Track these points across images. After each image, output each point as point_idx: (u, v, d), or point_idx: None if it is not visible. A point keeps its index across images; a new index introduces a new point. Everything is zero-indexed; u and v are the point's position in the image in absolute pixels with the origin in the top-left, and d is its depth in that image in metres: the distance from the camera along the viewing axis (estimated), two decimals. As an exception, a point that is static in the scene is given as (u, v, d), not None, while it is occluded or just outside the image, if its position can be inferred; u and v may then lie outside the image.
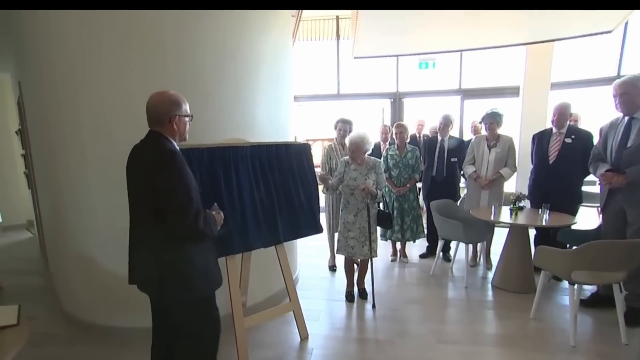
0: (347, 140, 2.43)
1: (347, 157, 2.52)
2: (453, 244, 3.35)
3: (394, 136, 3.29)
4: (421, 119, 4.81)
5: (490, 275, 3.03)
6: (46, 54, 1.95)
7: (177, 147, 1.33)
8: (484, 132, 3.15)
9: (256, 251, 1.99)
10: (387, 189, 3.25)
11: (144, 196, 1.22)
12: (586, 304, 2.42)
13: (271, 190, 1.93)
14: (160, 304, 1.30)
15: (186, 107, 1.34)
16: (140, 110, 1.57)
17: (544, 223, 2.54)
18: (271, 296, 2.49)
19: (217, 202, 1.60)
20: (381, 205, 2.70)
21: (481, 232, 2.91)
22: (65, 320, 2.35)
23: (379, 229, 2.62)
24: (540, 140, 2.92)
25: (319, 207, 2.19)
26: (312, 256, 3.59)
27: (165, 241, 1.21)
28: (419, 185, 3.51)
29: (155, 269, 1.23)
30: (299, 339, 2.13)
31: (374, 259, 2.53)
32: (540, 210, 2.70)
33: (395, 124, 3.30)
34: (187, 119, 1.34)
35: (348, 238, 2.48)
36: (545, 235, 2.90)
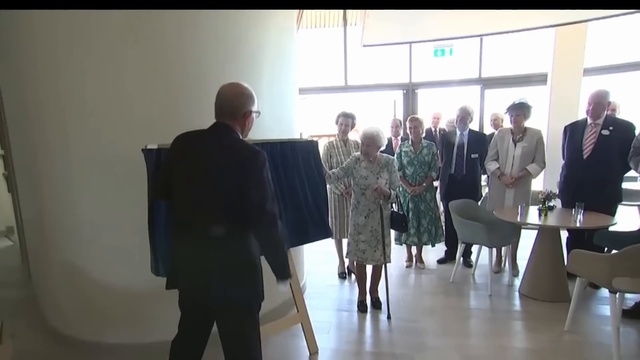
0: (360, 134, 2.43)
1: (358, 153, 2.51)
2: (475, 248, 3.34)
3: (407, 131, 3.28)
4: (437, 111, 4.76)
5: (517, 282, 3.00)
6: (28, 51, 1.94)
7: None
8: (507, 124, 3.12)
9: (262, 258, 1.96)
10: (401, 189, 3.26)
11: (217, 192, 1.21)
12: (630, 314, 2.38)
13: (276, 191, 1.92)
14: (216, 308, 1.30)
15: (257, 102, 1.38)
16: (135, 109, 1.55)
17: (577, 224, 2.50)
18: (277, 307, 2.47)
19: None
20: (395, 206, 2.69)
21: (506, 234, 2.88)
22: (50, 336, 2.32)
23: (392, 232, 2.62)
24: (573, 132, 2.87)
25: (327, 209, 2.18)
26: (319, 263, 3.59)
27: (238, 242, 1.23)
28: (436, 184, 3.50)
29: (223, 271, 1.23)
30: (308, 354, 2.12)
31: (387, 265, 2.52)
32: (573, 210, 2.66)
33: (409, 118, 3.28)
34: (255, 115, 1.37)
35: (359, 242, 2.47)
36: (579, 238, 2.85)
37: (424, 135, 3.26)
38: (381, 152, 2.50)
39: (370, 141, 2.37)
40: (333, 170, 2.53)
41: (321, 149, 3.15)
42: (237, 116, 1.31)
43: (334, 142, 3.09)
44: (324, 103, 6.35)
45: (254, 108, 1.36)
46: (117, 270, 2.02)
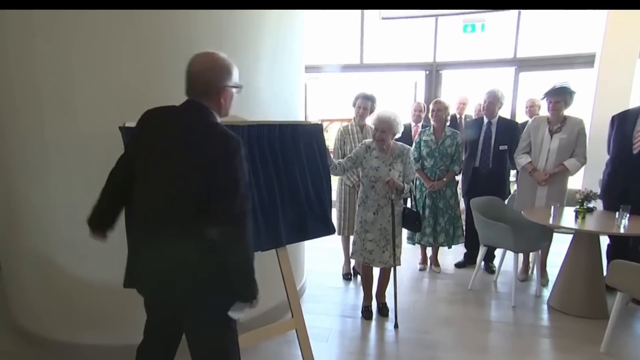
0: (373, 118, 2.38)
1: (369, 140, 2.45)
2: (498, 252, 3.30)
3: (430, 116, 3.20)
4: (463, 96, 4.64)
5: (546, 293, 2.95)
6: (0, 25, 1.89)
7: None
8: (544, 112, 2.98)
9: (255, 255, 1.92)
10: (418, 182, 3.22)
11: (184, 183, 1.13)
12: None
13: (272, 181, 1.88)
14: (181, 309, 1.23)
15: (237, 76, 1.26)
16: (117, 89, 1.47)
17: (622, 230, 2.38)
18: (269, 310, 2.46)
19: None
20: (409, 202, 2.59)
21: (535, 238, 2.81)
22: (17, 336, 2.29)
23: (404, 231, 2.58)
24: (622, 123, 2.72)
25: (330, 202, 2.13)
26: (322, 261, 3.58)
27: (202, 237, 1.13)
28: (459, 178, 3.45)
29: (190, 271, 1.16)
30: (303, 364, 2.07)
31: (397, 268, 2.49)
32: (617, 213, 2.53)
33: (433, 101, 3.19)
34: (235, 90, 1.27)
35: (366, 241, 2.44)
36: (623, 247, 2.76)
37: (448, 122, 3.18)
38: (397, 140, 2.44)
39: (386, 126, 2.30)
40: (339, 160, 2.47)
41: (334, 135, 3.18)
42: (210, 93, 1.21)
43: (349, 127, 3.04)
44: (338, 83, 6.26)
45: (232, 82, 1.24)
46: (95, 264, 2.00)
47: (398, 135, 2.39)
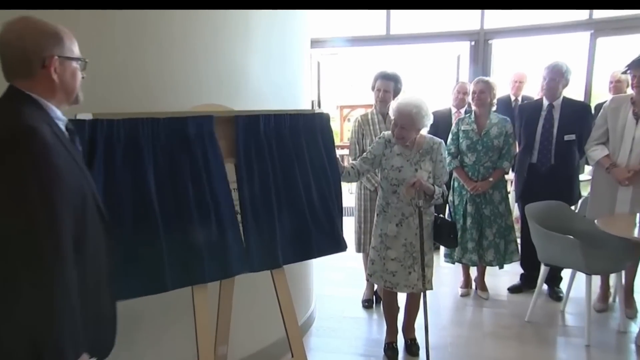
0: (392, 108, 2.36)
1: (387, 132, 2.43)
2: (566, 273, 3.17)
3: (470, 100, 3.19)
4: (520, 72, 4.52)
5: (634, 328, 2.84)
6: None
7: (63, 118, 1.16)
8: (629, 90, 2.88)
9: (244, 278, 1.92)
10: (457, 183, 3.21)
11: None
12: None
13: (266, 184, 1.87)
14: None
15: (72, 46, 1.17)
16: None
17: None
18: (267, 347, 2.46)
19: (163, 204, 1.54)
20: (447, 210, 2.51)
21: (615, 256, 2.71)
22: None
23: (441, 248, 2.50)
24: None
25: (341, 210, 2.09)
26: (337, 284, 3.59)
27: None
28: (510, 177, 3.44)
29: None
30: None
31: (428, 293, 2.46)
32: None
33: (474, 80, 3.17)
34: (76, 64, 1.18)
35: (387, 260, 2.40)
36: None
37: (494, 108, 3.12)
38: (432, 132, 2.42)
39: (406, 121, 2.25)
40: (352, 162, 2.46)
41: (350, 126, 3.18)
42: (33, 70, 1.09)
43: (369, 116, 3.05)
44: (361, 60, 6.22)
45: (64, 51, 1.13)
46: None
47: (425, 130, 2.35)
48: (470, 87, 3.15)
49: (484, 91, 3.02)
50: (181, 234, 1.62)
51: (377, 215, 2.46)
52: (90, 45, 1.78)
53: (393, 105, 2.36)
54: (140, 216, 1.55)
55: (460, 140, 3.13)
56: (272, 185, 1.87)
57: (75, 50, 1.19)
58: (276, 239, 1.87)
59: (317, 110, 2.18)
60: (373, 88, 3.03)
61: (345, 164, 2.46)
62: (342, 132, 8.22)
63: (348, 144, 3.14)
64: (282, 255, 1.90)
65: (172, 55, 1.99)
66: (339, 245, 2.04)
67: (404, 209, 2.35)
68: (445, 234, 2.37)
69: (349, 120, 5.88)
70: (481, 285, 3.34)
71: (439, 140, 2.38)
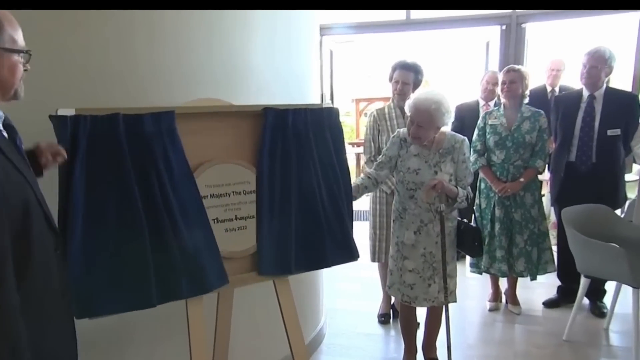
0: (408, 104, 2.33)
1: (402, 130, 2.41)
2: (610, 286, 3.14)
3: (499, 92, 3.17)
4: (557, 59, 4.45)
5: None
6: None
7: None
8: None
9: (245, 289, 1.93)
10: (483, 184, 3.20)
11: None
12: None
13: (287, 187, 1.91)
14: None
15: (15, 35, 1.15)
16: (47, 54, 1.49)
17: None
18: None
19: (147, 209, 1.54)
20: (472, 218, 2.51)
21: None
22: None
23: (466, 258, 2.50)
24: None
25: (351, 214, 2.10)
26: (351, 296, 3.57)
27: None
28: (544, 177, 3.42)
29: None
30: None
31: (451, 307, 2.44)
32: None
33: (504, 69, 3.14)
34: (17, 57, 1.15)
35: (404, 271, 2.40)
36: None
37: (527, 100, 3.10)
38: (456, 127, 2.41)
39: (424, 119, 2.22)
40: (368, 171, 2.44)
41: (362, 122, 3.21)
42: None
43: (386, 111, 3.05)
44: (379, 48, 6.23)
45: (2, 42, 1.10)
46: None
47: (445, 129, 2.33)
48: (500, 77, 3.13)
49: (515, 81, 2.99)
50: (155, 243, 1.62)
51: (394, 221, 2.46)
52: (76, 37, 1.83)
53: (409, 100, 2.33)
54: (127, 221, 1.57)
55: (488, 136, 3.11)
56: (292, 187, 1.91)
57: (19, 39, 1.16)
58: (290, 244, 1.91)
59: (326, 104, 2.18)
60: (390, 79, 3.03)
61: (353, 179, 2.37)
62: (358, 128, 8.17)
63: (364, 142, 3.14)
64: (295, 262, 1.93)
65: (164, 45, 2.00)
66: (351, 254, 2.05)
67: (423, 215, 2.33)
68: (468, 241, 2.36)
69: (365, 114, 5.85)
70: (512, 298, 3.31)
71: (461, 137, 2.36)
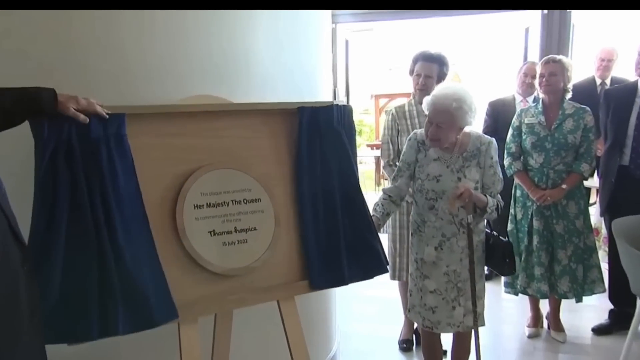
0: (426, 101, 2.32)
1: (420, 131, 2.40)
2: None
3: (537, 85, 3.16)
4: (608, 47, 4.43)
5: None
6: None
7: None
8: None
9: (246, 310, 1.95)
10: (519, 192, 3.19)
11: None
12: None
13: (315, 189, 1.97)
14: None
15: None
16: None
17: None
18: None
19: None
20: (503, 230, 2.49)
21: None
22: None
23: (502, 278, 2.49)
24: None
25: (370, 222, 2.11)
26: (366, 319, 3.60)
27: None
28: (591, 184, 3.41)
29: None
30: None
31: (482, 331, 2.42)
32: None
33: (543, 60, 3.14)
34: None
35: (425, 292, 2.39)
36: None
37: (569, 95, 3.07)
38: (488, 126, 2.40)
39: (443, 119, 2.19)
40: (386, 191, 2.43)
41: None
42: None
43: (406, 108, 3.07)
44: (400, 37, 6.25)
45: None
46: None
47: (469, 129, 2.30)
48: (538, 69, 3.12)
49: (555, 73, 2.97)
50: (99, 268, 1.59)
51: (412, 235, 2.45)
52: (64, 34, 1.87)
53: (427, 97, 2.32)
54: (76, 241, 1.56)
55: (524, 137, 3.09)
56: (335, 190, 1.98)
57: None
58: (341, 250, 1.96)
59: (338, 101, 2.20)
60: (411, 73, 3.03)
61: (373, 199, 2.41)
62: (378, 128, 8.17)
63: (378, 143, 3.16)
64: (347, 271, 1.97)
65: (155, 35, 2.03)
66: (379, 265, 2.05)
67: (445, 228, 2.31)
68: (497, 257, 2.34)
69: (386, 112, 5.89)
70: (555, 324, 3.28)
71: (488, 139, 2.34)
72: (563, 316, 3.29)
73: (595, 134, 3.06)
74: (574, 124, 3.00)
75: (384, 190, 2.44)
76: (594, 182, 3.47)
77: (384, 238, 3.12)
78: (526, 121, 3.11)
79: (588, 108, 3.04)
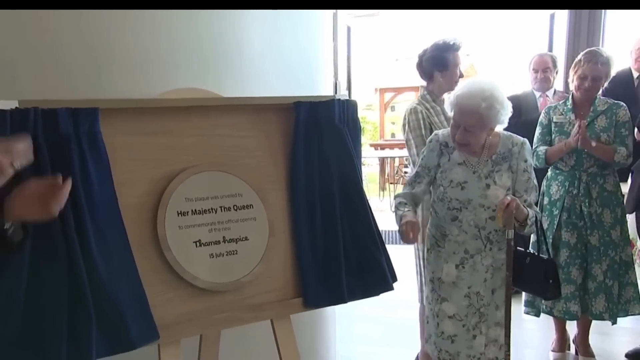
0: (449, 100, 2.28)
1: (443, 131, 2.37)
2: None
3: (574, 88, 3.05)
4: None
5: None
6: None
7: None
8: None
9: (235, 330, 1.95)
10: (547, 200, 3.17)
11: None
12: None
13: (313, 194, 1.98)
14: None
15: None
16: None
17: None
18: None
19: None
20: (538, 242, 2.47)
21: None
22: None
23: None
24: None
25: (377, 232, 2.12)
26: (371, 342, 3.58)
27: None
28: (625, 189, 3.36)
29: None
30: None
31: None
32: None
33: (584, 56, 3.00)
34: None
35: (442, 317, 2.35)
36: None
37: (601, 91, 3.04)
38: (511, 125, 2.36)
39: (473, 121, 2.14)
40: (401, 196, 2.39)
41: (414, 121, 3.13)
42: None
43: (426, 107, 2.95)
44: (407, 23, 6.25)
45: None
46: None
47: (502, 124, 2.25)
48: (582, 69, 2.96)
49: (600, 77, 2.92)
50: (70, 283, 1.58)
51: (428, 250, 2.41)
52: (26, 17, 1.87)
53: (450, 96, 2.27)
54: (43, 253, 1.55)
55: (553, 136, 3.09)
56: (335, 195, 1.99)
57: None
58: (340, 264, 1.97)
59: (340, 95, 2.20)
60: (445, 64, 2.91)
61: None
62: (383, 126, 8.19)
63: (390, 143, 3.11)
64: (347, 289, 1.97)
65: (135, 20, 2.03)
66: (384, 282, 2.05)
67: (468, 243, 2.27)
68: (538, 279, 2.28)
69: (392, 108, 5.83)
70: (584, 348, 3.23)
71: (521, 139, 2.29)
72: (592, 339, 3.25)
73: (630, 129, 3.02)
74: (607, 121, 2.99)
75: (397, 196, 2.41)
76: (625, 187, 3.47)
77: (398, 250, 3.15)
78: (555, 119, 3.10)
79: (623, 103, 3.02)
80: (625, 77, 4.20)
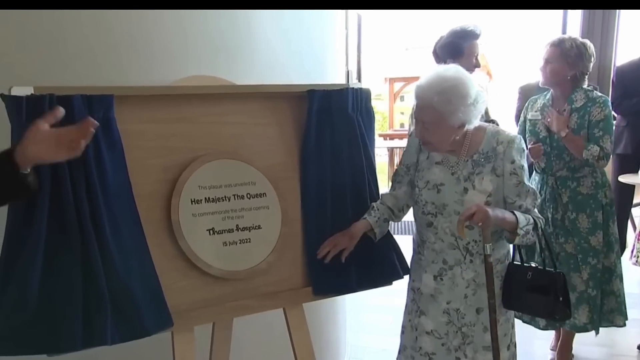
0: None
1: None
2: None
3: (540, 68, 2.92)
4: None
5: None
6: None
7: None
8: None
9: (247, 318, 1.96)
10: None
11: None
12: None
13: (324, 184, 2.00)
14: None
15: None
16: None
17: None
18: None
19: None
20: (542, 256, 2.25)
21: None
22: None
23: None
24: None
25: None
26: (380, 331, 3.59)
27: None
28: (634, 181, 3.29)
29: None
30: None
31: None
32: None
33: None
34: None
35: (420, 332, 2.13)
36: None
37: (586, 83, 2.86)
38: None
39: (429, 117, 1.88)
40: (383, 196, 2.19)
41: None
42: None
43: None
44: (417, 12, 6.25)
45: None
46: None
47: (475, 124, 1.93)
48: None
49: (550, 60, 2.78)
50: (85, 271, 1.60)
51: (412, 256, 2.22)
52: (60, 11, 1.88)
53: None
54: (57, 239, 1.57)
55: (527, 136, 2.94)
56: (346, 185, 2.00)
57: None
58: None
59: (354, 84, 2.21)
60: (459, 52, 2.86)
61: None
62: (392, 116, 8.17)
63: (400, 133, 3.11)
64: (356, 277, 1.99)
65: (148, 11, 2.01)
66: (394, 271, 2.07)
67: (446, 252, 2.02)
68: (545, 297, 1.96)
69: (402, 98, 5.82)
70: (563, 354, 3.16)
71: (510, 136, 1.98)
72: (603, 331, 3.08)
73: (605, 129, 2.75)
74: (578, 121, 2.77)
75: (381, 196, 2.18)
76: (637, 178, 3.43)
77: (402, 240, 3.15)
78: (530, 116, 2.97)
79: (603, 98, 2.81)
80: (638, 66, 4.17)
